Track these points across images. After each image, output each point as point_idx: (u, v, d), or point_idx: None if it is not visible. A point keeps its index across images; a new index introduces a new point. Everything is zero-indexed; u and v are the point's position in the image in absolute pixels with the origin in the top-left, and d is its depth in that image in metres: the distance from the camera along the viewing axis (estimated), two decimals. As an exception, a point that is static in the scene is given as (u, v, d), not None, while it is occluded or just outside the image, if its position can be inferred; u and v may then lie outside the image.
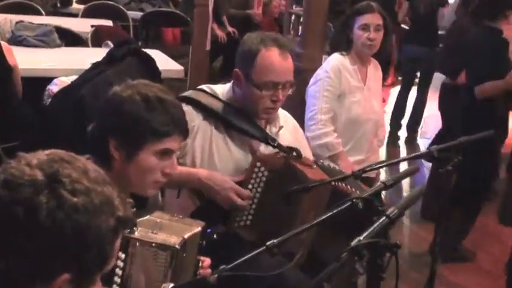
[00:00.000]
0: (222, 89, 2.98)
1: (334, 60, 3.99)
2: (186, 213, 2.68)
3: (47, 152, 1.36)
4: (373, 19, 3.93)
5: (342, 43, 4.01)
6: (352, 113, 3.97)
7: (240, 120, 2.89)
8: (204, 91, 2.95)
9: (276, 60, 2.81)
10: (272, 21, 9.86)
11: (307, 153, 3.12)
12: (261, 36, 2.86)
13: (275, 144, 2.89)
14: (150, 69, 4.45)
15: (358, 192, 2.77)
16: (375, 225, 1.78)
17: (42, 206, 1.25)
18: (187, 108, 2.79)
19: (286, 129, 3.06)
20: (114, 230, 1.33)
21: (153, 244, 2.08)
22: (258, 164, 2.81)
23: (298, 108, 3.25)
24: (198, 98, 2.91)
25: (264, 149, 2.93)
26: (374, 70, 4.14)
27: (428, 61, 7.47)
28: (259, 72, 2.80)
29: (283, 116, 3.09)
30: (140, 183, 2.21)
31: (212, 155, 2.88)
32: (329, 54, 4.17)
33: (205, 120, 2.89)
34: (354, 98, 3.97)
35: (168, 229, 2.16)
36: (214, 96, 2.93)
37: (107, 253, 1.33)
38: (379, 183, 2.10)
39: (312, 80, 4.02)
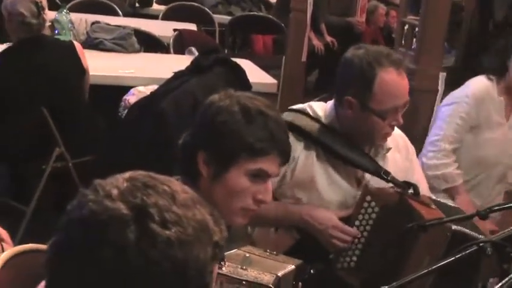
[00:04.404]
0: (324, 110, 2.94)
1: (479, 85, 3.87)
2: (282, 248, 2.68)
3: (126, 176, 1.33)
4: None
5: (497, 68, 3.88)
6: (483, 151, 3.86)
7: (346, 149, 2.86)
8: (306, 113, 2.93)
9: (396, 83, 2.76)
10: (377, 31, 9.76)
11: (419, 178, 3.08)
12: (372, 55, 2.77)
13: (388, 178, 2.84)
14: (240, 81, 4.45)
15: (481, 237, 2.70)
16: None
17: (131, 245, 1.22)
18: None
19: (395, 150, 3.01)
20: (212, 258, 1.31)
21: (244, 282, 2.07)
22: (368, 198, 2.78)
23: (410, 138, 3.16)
24: (299, 122, 2.88)
25: (374, 181, 2.89)
26: None
27: None
28: (380, 100, 2.74)
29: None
30: (227, 208, 2.15)
31: (314, 188, 2.87)
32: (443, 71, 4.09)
33: (306, 149, 2.88)
34: (492, 135, 3.86)
35: (259, 265, 2.15)
36: (316, 119, 2.91)
37: (207, 283, 1.31)
38: (512, 227, 2.05)
39: (447, 99, 3.97)
